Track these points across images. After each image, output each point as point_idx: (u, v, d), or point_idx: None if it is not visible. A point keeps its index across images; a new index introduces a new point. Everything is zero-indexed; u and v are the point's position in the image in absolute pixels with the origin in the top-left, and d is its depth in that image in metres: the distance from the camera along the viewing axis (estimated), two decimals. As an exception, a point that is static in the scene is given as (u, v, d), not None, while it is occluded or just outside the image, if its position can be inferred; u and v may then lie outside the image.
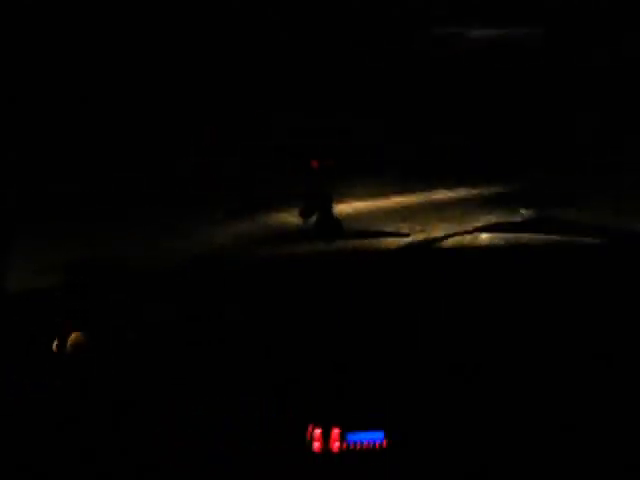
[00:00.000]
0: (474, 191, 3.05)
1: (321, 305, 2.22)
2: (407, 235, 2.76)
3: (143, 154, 2.81)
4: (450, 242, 2.67)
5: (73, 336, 2.11)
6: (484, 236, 2.73)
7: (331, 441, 1.93)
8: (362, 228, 2.78)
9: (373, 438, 1.93)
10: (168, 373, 2.09)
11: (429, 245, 2.69)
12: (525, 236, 2.71)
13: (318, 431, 1.94)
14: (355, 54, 3.14)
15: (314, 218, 2.79)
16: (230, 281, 2.30)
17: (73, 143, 2.74)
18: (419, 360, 2.08)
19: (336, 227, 2.77)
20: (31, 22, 2.67)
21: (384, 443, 1.92)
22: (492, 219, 2.80)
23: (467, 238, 2.71)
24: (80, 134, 2.74)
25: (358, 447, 1.92)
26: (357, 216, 2.88)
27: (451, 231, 2.71)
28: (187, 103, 2.87)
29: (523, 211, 2.90)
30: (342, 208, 2.81)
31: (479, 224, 2.78)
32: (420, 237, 2.70)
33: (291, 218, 2.80)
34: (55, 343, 2.09)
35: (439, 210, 2.93)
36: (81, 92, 2.71)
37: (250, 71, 2.97)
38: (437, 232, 2.72)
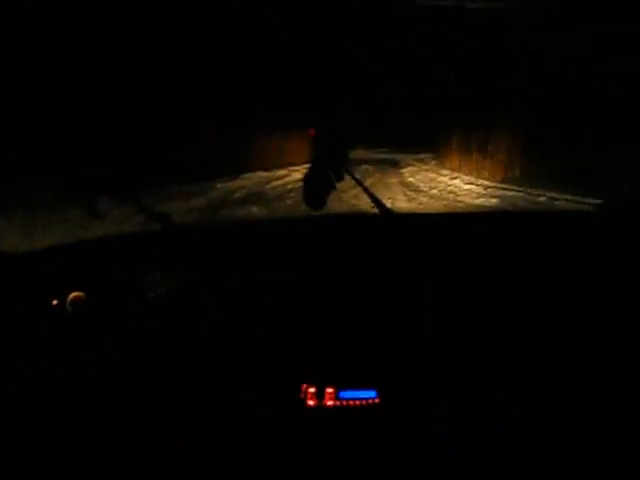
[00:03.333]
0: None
1: (313, 266, 2.26)
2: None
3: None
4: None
5: (72, 296, 2.15)
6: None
7: (325, 399, 1.99)
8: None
9: (365, 395, 2.00)
10: (168, 338, 2.13)
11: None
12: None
13: (312, 389, 2.00)
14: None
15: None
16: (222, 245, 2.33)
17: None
18: (411, 320, 2.13)
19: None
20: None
21: (377, 400, 1.98)
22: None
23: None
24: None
25: (351, 404, 1.98)
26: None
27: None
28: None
29: None
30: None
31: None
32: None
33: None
34: (54, 302, 2.13)
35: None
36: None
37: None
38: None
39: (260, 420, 1.95)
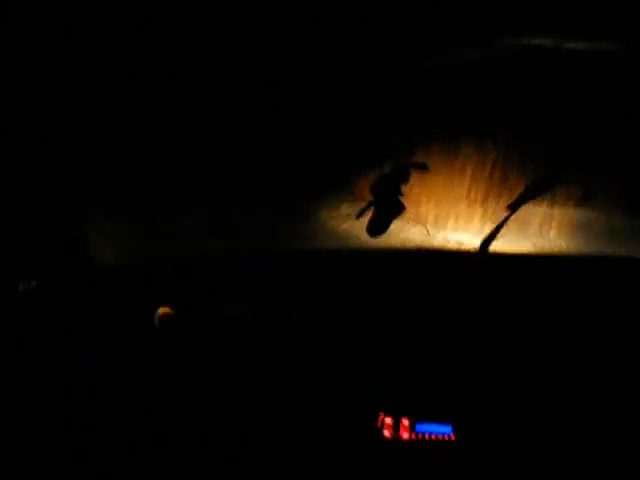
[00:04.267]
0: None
1: (394, 296, 2.32)
2: None
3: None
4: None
5: (161, 311, 2.25)
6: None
7: (401, 430, 2.04)
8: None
9: (441, 430, 2.04)
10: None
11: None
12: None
13: (389, 420, 2.06)
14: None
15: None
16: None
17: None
18: (490, 354, 2.17)
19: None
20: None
21: (452, 436, 2.03)
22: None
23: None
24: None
25: (427, 437, 2.03)
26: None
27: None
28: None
29: None
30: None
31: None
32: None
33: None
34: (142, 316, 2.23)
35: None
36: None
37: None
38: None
39: (338, 447, 2.01)
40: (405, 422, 2.05)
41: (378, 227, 2.62)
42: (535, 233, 2.68)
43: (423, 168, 2.60)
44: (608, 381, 2.09)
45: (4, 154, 2.45)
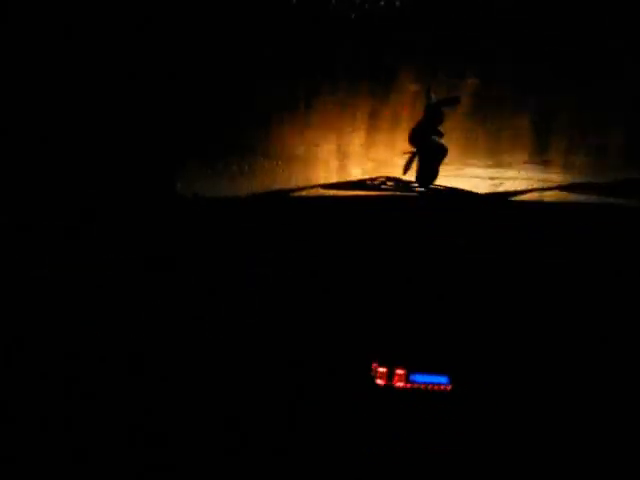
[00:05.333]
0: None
1: (387, 247, 2.08)
2: None
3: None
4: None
5: None
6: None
7: (395, 380, 1.95)
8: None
9: (437, 381, 1.95)
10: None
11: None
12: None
13: (383, 369, 1.95)
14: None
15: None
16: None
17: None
18: (488, 303, 2.00)
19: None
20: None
21: (448, 387, 1.94)
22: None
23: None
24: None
25: (422, 387, 1.95)
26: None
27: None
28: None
29: None
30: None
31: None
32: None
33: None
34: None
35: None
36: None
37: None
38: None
39: (329, 395, 1.95)
40: (400, 372, 1.95)
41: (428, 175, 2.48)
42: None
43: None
44: (609, 332, 1.93)
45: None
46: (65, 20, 2.35)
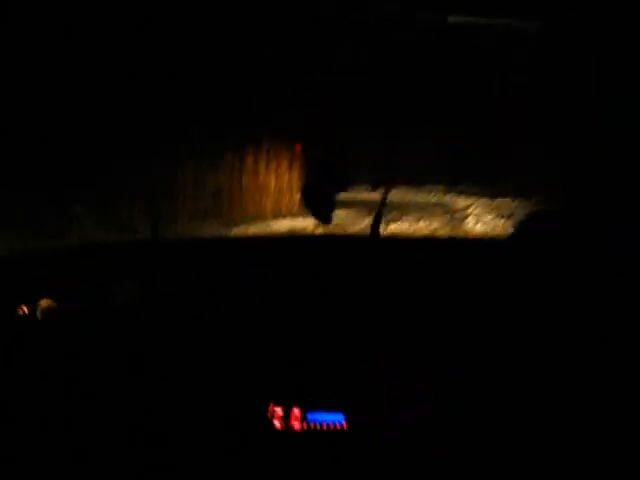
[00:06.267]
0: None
1: (287, 286, 2.15)
2: None
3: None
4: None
5: (43, 302, 2.11)
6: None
7: (292, 420, 1.90)
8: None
9: (333, 419, 1.90)
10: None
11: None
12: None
13: (279, 410, 1.91)
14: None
15: None
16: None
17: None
18: (382, 343, 2.00)
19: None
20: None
21: (344, 425, 1.89)
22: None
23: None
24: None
25: (319, 428, 1.89)
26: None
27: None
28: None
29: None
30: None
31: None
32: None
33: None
34: (24, 309, 2.10)
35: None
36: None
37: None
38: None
39: (227, 438, 1.89)
40: (296, 411, 1.91)
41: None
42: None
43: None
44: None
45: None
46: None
